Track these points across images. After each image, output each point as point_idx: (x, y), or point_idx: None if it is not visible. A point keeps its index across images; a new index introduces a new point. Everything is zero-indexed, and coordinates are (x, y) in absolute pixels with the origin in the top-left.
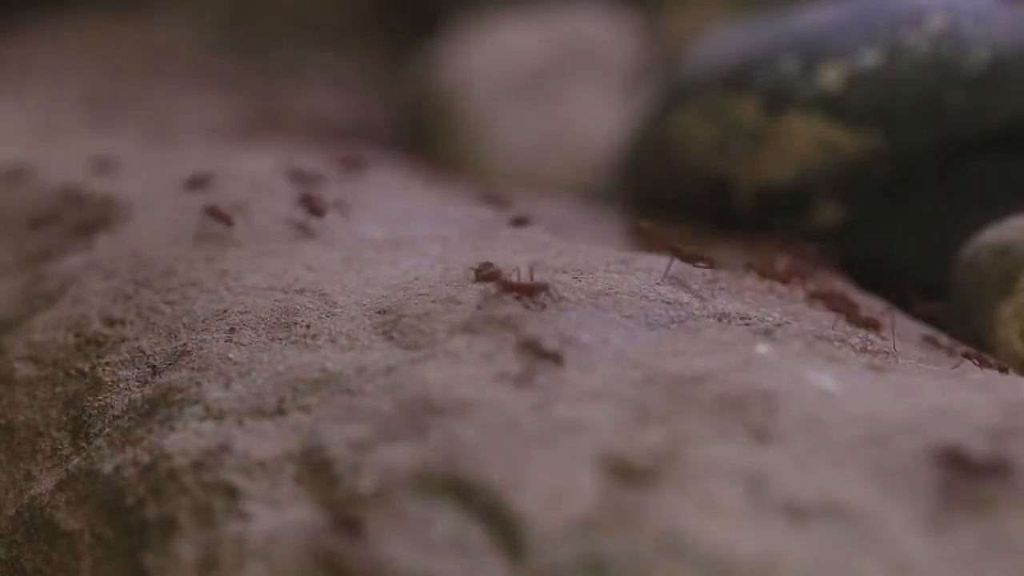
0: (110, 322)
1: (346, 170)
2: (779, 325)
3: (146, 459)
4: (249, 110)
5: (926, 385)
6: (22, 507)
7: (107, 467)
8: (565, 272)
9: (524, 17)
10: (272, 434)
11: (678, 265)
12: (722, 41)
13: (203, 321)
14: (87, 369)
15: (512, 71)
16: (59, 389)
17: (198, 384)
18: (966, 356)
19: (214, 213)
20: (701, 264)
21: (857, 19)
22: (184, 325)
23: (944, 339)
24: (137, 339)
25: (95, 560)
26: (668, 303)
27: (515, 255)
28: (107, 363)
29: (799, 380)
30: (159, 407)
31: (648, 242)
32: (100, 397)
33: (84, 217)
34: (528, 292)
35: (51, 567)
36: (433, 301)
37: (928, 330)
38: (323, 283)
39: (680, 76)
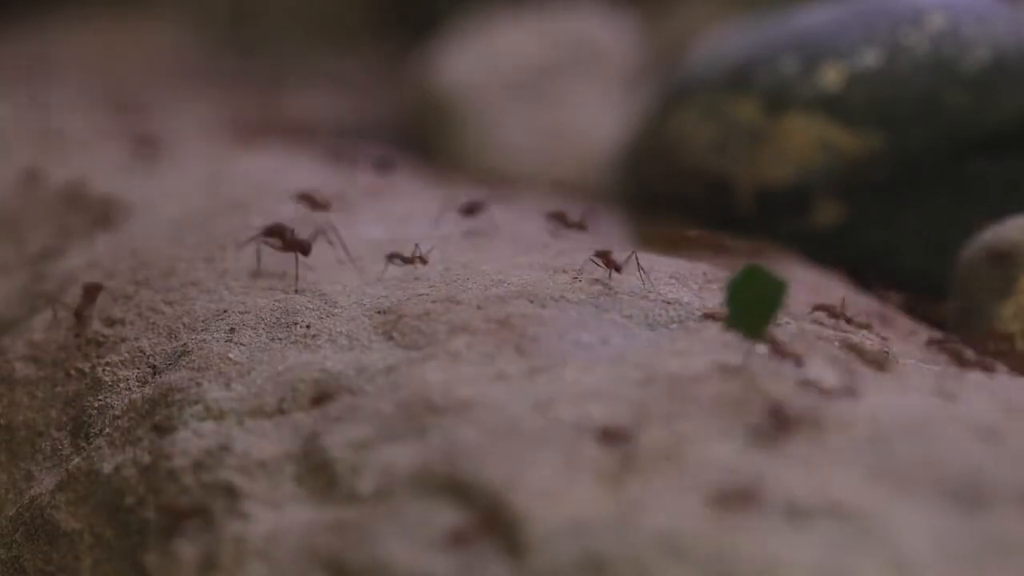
0: (110, 322)
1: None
2: (779, 325)
3: (146, 459)
4: (250, 111)
5: (926, 385)
6: (22, 507)
7: (107, 467)
8: (565, 272)
9: (524, 17)
10: (272, 434)
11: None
12: (722, 41)
13: (203, 321)
14: (87, 369)
15: (512, 71)
16: (59, 389)
17: (198, 384)
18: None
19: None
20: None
21: (857, 19)
22: (184, 325)
23: (948, 341)
24: (137, 339)
25: (95, 560)
26: (668, 303)
27: (515, 255)
28: (107, 363)
29: (798, 380)
30: (159, 407)
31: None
32: (100, 397)
33: (85, 217)
34: None
35: (51, 567)
36: (433, 301)
37: (933, 332)
38: (323, 283)
39: (680, 76)
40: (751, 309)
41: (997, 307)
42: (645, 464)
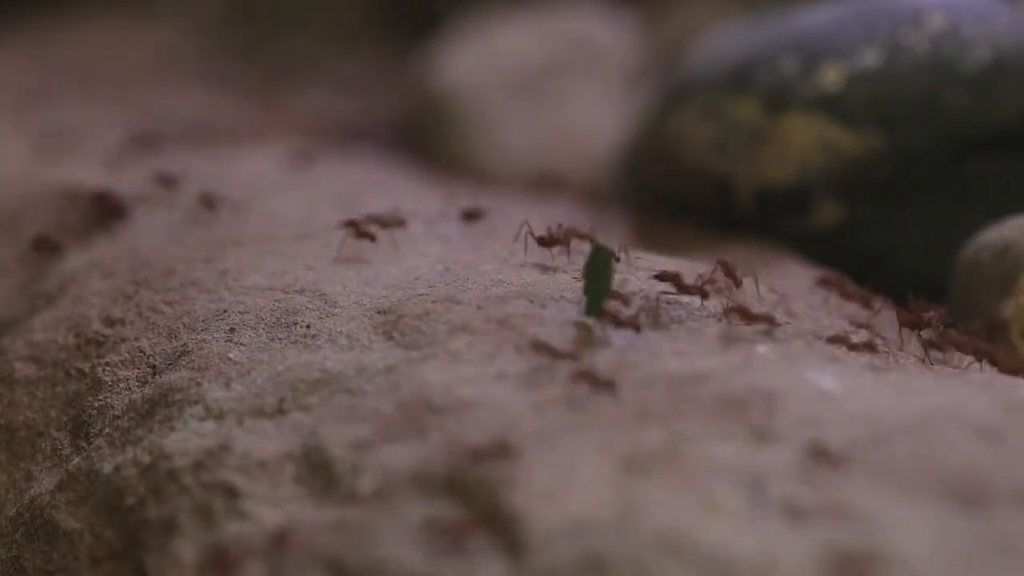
0: (110, 322)
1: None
2: (779, 325)
3: (146, 459)
4: (251, 111)
5: (926, 385)
6: (22, 507)
7: (107, 467)
8: (566, 272)
9: (524, 17)
10: (272, 434)
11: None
12: (722, 41)
13: (203, 321)
14: (87, 369)
15: (512, 71)
16: (59, 389)
17: (198, 384)
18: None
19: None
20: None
21: (857, 19)
22: (184, 325)
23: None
24: (137, 339)
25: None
26: (668, 303)
27: (515, 254)
28: (107, 363)
29: (799, 380)
30: (159, 407)
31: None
32: (100, 397)
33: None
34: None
35: (51, 567)
36: (433, 301)
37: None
38: (323, 283)
39: (680, 76)
40: (598, 287)
41: (997, 307)
42: (645, 464)
